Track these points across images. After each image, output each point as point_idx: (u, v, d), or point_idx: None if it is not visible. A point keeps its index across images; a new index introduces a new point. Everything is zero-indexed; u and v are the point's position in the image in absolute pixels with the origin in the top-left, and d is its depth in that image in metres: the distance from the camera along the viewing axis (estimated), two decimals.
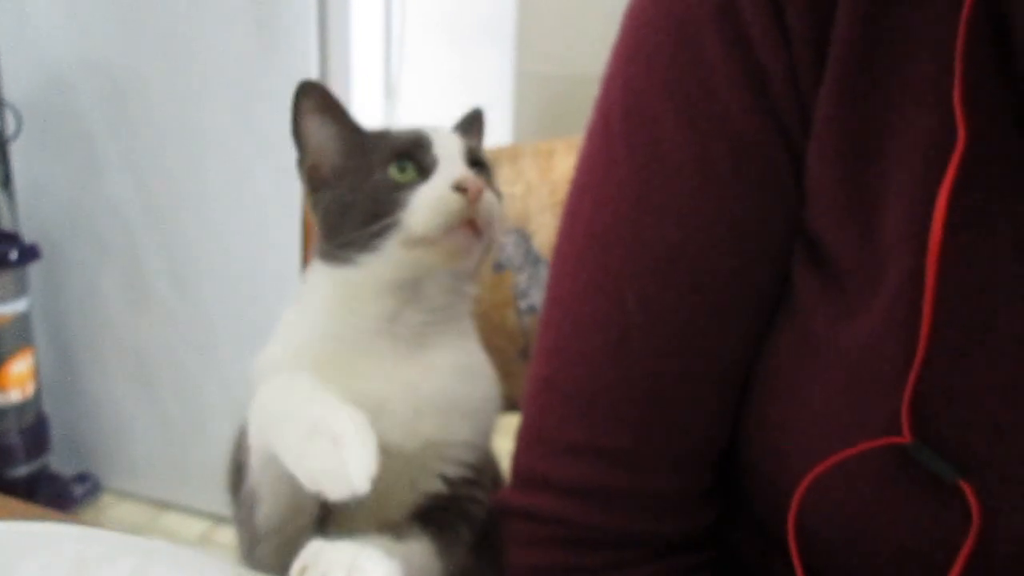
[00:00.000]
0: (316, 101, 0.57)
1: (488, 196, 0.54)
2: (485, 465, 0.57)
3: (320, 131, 0.58)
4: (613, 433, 0.50)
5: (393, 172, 0.54)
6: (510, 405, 0.61)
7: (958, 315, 0.41)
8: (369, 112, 1.69)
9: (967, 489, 0.41)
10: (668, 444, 0.51)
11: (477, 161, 0.57)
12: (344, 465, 0.44)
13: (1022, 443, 0.41)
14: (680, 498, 0.52)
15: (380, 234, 0.53)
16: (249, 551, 0.57)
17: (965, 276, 0.41)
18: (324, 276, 0.58)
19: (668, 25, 0.47)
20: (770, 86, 0.45)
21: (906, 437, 0.42)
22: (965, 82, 0.40)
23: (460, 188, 0.53)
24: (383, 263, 0.54)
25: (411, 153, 0.55)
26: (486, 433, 0.57)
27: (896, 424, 0.42)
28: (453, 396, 0.56)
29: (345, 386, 0.52)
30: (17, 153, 1.86)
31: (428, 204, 0.53)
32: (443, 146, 0.56)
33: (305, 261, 0.89)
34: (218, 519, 1.93)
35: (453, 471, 0.56)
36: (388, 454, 0.53)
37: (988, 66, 0.40)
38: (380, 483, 0.53)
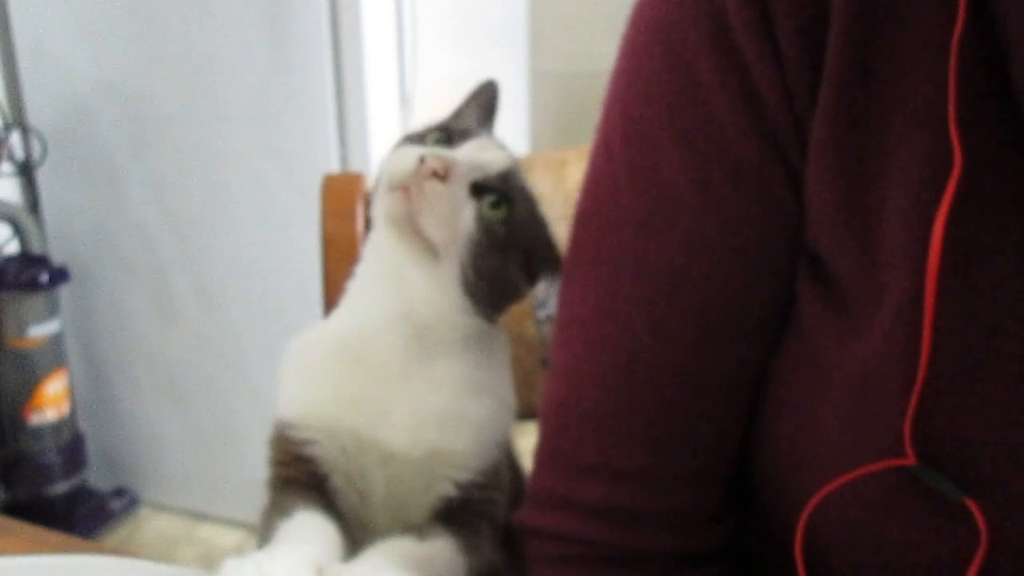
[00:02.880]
0: (484, 97, 0.65)
1: (438, 188, 0.53)
2: (499, 468, 0.57)
3: (466, 114, 0.65)
4: (628, 453, 0.51)
5: (429, 142, 0.59)
6: (531, 413, 0.62)
7: (958, 336, 0.41)
8: (385, 121, 1.70)
9: (974, 508, 0.41)
10: (683, 463, 0.51)
11: (499, 190, 0.56)
12: None
13: None
14: (697, 514, 0.53)
15: (374, 191, 0.58)
16: None
17: (964, 297, 0.41)
18: (364, 252, 0.61)
19: (664, 51, 0.47)
20: (766, 110, 0.45)
21: (910, 458, 0.42)
22: (960, 104, 0.39)
23: (422, 160, 0.53)
24: (375, 215, 0.57)
25: (451, 135, 0.59)
26: (494, 444, 0.57)
27: (901, 444, 0.42)
28: (455, 409, 0.56)
29: (348, 388, 0.55)
30: (43, 178, 1.89)
31: (393, 155, 0.56)
32: (473, 147, 0.57)
33: (325, 273, 0.91)
34: (252, 529, 1.94)
35: (463, 476, 0.56)
36: (396, 459, 0.55)
37: (983, 87, 0.40)
38: (395, 486, 0.56)
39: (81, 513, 1.92)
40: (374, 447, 0.55)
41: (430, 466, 0.56)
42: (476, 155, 0.56)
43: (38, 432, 1.82)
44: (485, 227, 0.54)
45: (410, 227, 0.54)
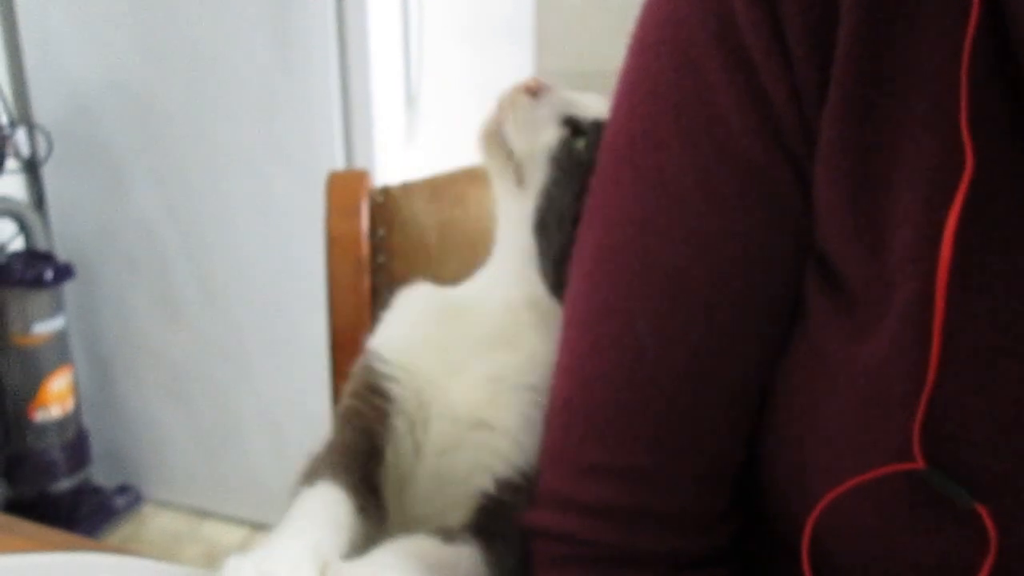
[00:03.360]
0: None
1: (529, 100, 0.58)
2: (532, 475, 0.57)
3: None
4: (632, 453, 0.51)
5: None
6: None
7: (968, 338, 0.41)
8: (391, 120, 1.70)
9: (983, 512, 0.41)
10: (687, 463, 0.51)
11: (588, 132, 0.59)
12: None
13: None
14: (701, 515, 0.52)
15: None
16: None
17: (974, 299, 0.40)
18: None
19: (671, 50, 0.47)
20: (773, 109, 0.44)
21: (919, 462, 0.42)
22: (971, 105, 0.39)
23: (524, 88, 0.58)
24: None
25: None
26: (535, 438, 0.57)
27: (909, 447, 0.42)
28: (510, 375, 0.57)
29: (439, 339, 0.59)
30: (48, 175, 1.89)
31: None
32: (573, 92, 0.61)
33: (329, 270, 0.90)
34: (257, 526, 1.95)
35: (501, 469, 0.56)
36: (449, 418, 0.57)
37: (995, 87, 0.40)
38: (444, 462, 0.57)
39: (85, 510, 1.92)
40: (442, 398, 0.57)
41: (475, 442, 0.57)
42: (576, 95, 0.60)
43: (42, 429, 1.83)
44: (568, 151, 0.57)
45: (496, 139, 0.58)
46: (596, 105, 0.59)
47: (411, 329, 0.61)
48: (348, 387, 0.60)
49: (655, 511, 0.51)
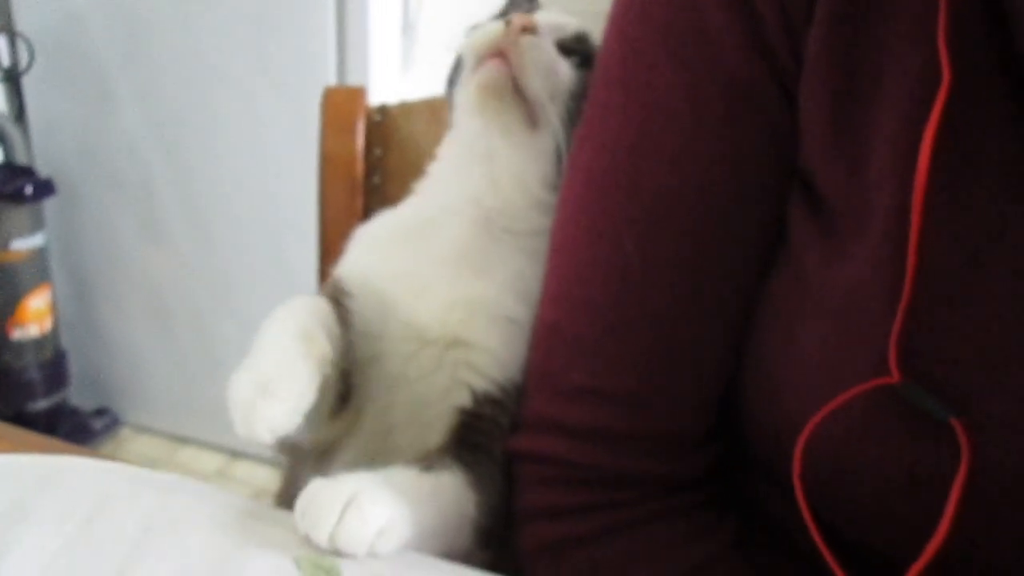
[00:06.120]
0: None
1: (533, 39, 0.54)
2: (513, 392, 0.57)
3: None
4: (617, 376, 0.51)
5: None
6: None
7: (944, 255, 0.41)
8: (386, 41, 1.66)
9: (957, 426, 0.41)
10: (671, 386, 0.51)
11: (579, 50, 0.57)
12: (253, 412, 0.46)
13: (1010, 379, 0.41)
14: (684, 438, 0.53)
15: (453, 81, 0.59)
16: (295, 479, 0.58)
17: (950, 216, 0.41)
18: (440, 149, 0.63)
19: None
20: (763, 27, 0.45)
21: (895, 377, 0.42)
22: (950, 22, 0.40)
23: (508, 22, 0.54)
24: (456, 116, 0.59)
25: (519, 4, 0.60)
26: (517, 355, 0.57)
27: (886, 364, 0.42)
28: (490, 303, 0.57)
29: (400, 263, 0.58)
30: (30, 86, 1.84)
31: (474, 32, 0.56)
32: (546, 11, 0.59)
33: (322, 190, 0.88)
34: (235, 454, 1.96)
35: (479, 383, 0.56)
36: (420, 341, 0.56)
37: (975, 6, 0.40)
38: (419, 387, 0.57)
39: (62, 431, 1.92)
40: (405, 322, 0.56)
41: (451, 361, 0.56)
42: (552, 17, 0.57)
43: (20, 348, 1.81)
44: (581, 81, 0.55)
45: (510, 91, 0.54)
46: (571, 20, 0.58)
47: (368, 254, 0.61)
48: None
49: (639, 434, 0.52)
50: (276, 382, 0.47)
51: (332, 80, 1.63)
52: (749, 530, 0.54)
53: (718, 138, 0.47)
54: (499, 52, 0.54)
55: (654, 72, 0.48)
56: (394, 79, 1.69)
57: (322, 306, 0.56)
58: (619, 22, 0.51)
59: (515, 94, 0.54)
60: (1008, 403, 0.41)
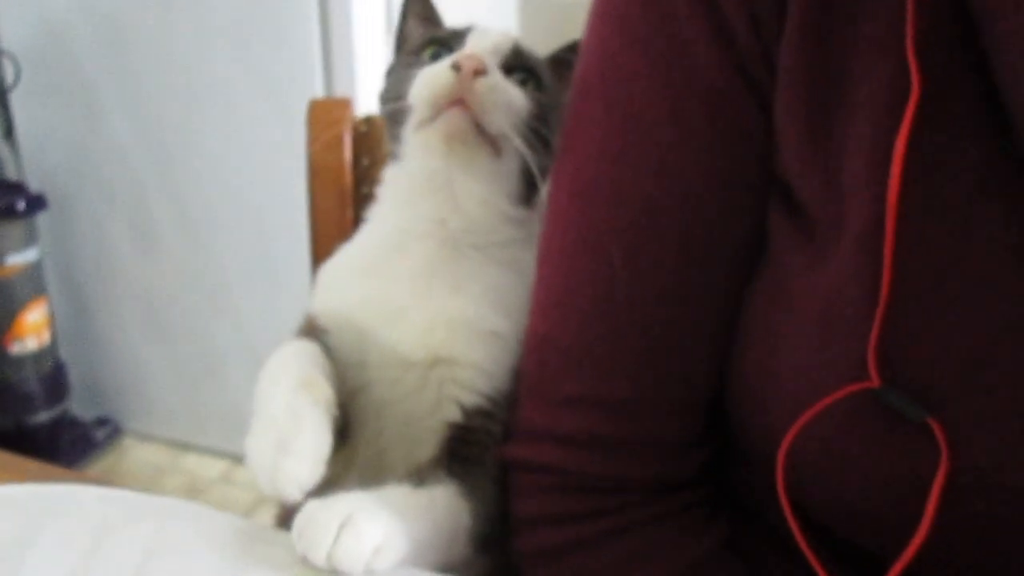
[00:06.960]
0: (419, 7, 0.64)
1: (488, 80, 0.54)
2: (502, 401, 0.57)
3: (415, 32, 0.63)
4: (607, 384, 0.52)
5: (425, 58, 0.58)
6: None
7: (919, 260, 0.42)
8: (371, 47, 1.66)
9: (935, 427, 0.42)
10: (661, 392, 0.52)
11: (519, 66, 0.58)
12: (278, 474, 0.47)
13: (986, 380, 0.42)
14: (676, 442, 0.53)
15: (398, 119, 0.57)
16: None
17: (925, 221, 0.42)
18: (388, 176, 0.62)
19: None
20: (736, 39, 0.46)
21: (874, 381, 0.43)
22: (918, 29, 0.40)
23: (455, 66, 0.54)
24: (408, 152, 0.57)
25: (446, 41, 0.58)
26: (506, 367, 0.58)
27: (865, 368, 0.43)
28: (469, 318, 0.57)
29: (371, 291, 0.57)
30: (17, 102, 1.83)
31: (422, 79, 0.55)
32: (478, 38, 0.58)
33: (311, 200, 0.88)
34: (237, 459, 1.96)
35: (468, 398, 0.57)
36: (403, 365, 0.56)
37: (943, 12, 0.41)
38: (405, 406, 0.57)
39: (64, 442, 1.93)
40: (386, 348, 0.56)
41: (437, 379, 0.56)
42: (486, 42, 0.57)
43: (18, 361, 1.81)
44: (535, 101, 0.56)
45: (473, 134, 0.54)
46: (502, 36, 0.58)
47: (339, 284, 0.60)
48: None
49: (631, 440, 0.52)
50: (292, 439, 0.47)
51: (319, 88, 1.63)
52: (742, 528, 0.55)
53: (700, 148, 0.48)
54: (457, 100, 0.54)
55: (633, 84, 0.49)
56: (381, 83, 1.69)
57: (311, 348, 0.56)
58: (599, 32, 0.51)
59: (478, 135, 0.55)
60: (983, 403, 0.42)
